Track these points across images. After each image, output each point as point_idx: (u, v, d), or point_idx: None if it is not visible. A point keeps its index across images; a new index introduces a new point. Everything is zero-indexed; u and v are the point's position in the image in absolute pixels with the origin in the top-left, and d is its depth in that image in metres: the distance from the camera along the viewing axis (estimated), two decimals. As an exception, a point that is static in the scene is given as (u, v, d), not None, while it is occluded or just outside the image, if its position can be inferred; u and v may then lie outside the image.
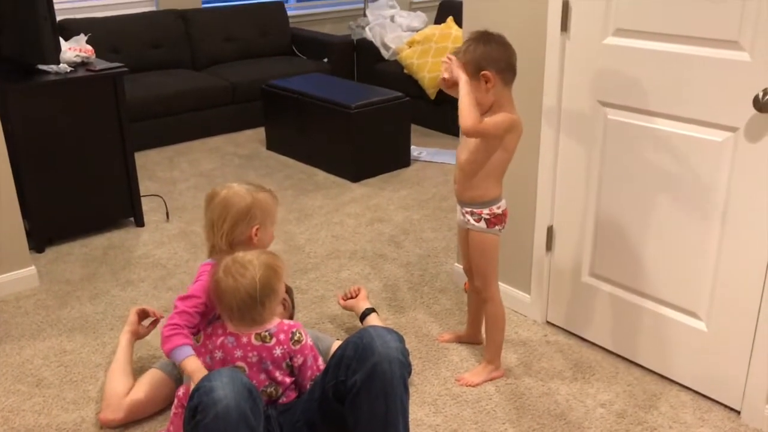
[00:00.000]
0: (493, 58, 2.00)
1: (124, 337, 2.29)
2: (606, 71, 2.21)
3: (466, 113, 1.95)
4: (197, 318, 1.88)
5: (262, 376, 1.81)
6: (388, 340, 1.72)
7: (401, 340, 1.77)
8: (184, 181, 4.15)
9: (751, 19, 1.85)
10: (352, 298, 2.57)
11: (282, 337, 1.83)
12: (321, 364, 1.89)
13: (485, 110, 2.04)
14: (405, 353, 1.74)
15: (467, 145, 2.11)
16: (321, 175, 4.24)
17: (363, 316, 2.46)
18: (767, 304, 1.99)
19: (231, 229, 1.97)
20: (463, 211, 2.20)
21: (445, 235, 3.40)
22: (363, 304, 2.50)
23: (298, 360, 1.85)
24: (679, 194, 2.13)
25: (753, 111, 1.88)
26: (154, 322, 2.38)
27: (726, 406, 2.18)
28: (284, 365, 1.83)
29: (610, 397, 2.24)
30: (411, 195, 3.93)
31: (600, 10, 2.17)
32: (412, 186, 4.06)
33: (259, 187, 2.07)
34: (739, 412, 2.14)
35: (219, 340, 1.82)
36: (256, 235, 2.00)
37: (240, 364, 1.79)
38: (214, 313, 1.94)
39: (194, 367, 1.76)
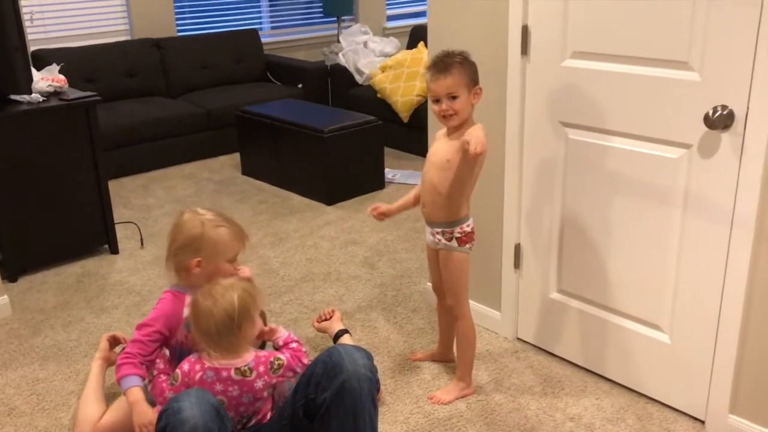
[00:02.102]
0: (477, 73, 2.10)
1: (96, 364, 2.31)
2: (565, 92, 2.28)
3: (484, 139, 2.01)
4: (152, 346, 1.91)
5: (242, 408, 1.82)
6: (357, 357, 1.75)
7: (369, 357, 1.80)
8: (159, 207, 4.17)
9: (698, 40, 1.93)
10: (326, 320, 2.60)
11: (261, 369, 1.82)
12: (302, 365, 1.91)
13: (461, 122, 2.11)
14: (373, 370, 1.77)
15: (440, 166, 2.16)
16: (296, 198, 4.27)
17: (336, 338, 2.48)
18: (726, 314, 2.04)
19: (175, 252, 1.97)
20: (434, 231, 2.24)
21: (419, 255, 3.44)
22: (336, 326, 2.53)
23: (279, 382, 1.87)
24: (639, 209, 2.19)
25: (704, 128, 1.95)
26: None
27: (691, 416, 2.22)
28: (266, 393, 1.85)
29: (578, 410, 2.28)
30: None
31: (558, 34, 2.25)
32: (386, 208, 4.10)
33: (224, 220, 1.99)
34: (703, 422, 2.19)
35: (197, 376, 1.79)
36: (197, 266, 1.94)
37: (220, 397, 1.78)
38: (178, 346, 1.95)
39: (135, 398, 1.80)
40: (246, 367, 1.80)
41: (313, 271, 3.33)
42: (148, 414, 1.79)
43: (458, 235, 2.20)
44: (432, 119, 2.80)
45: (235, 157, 4.90)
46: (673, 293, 2.17)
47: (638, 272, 2.24)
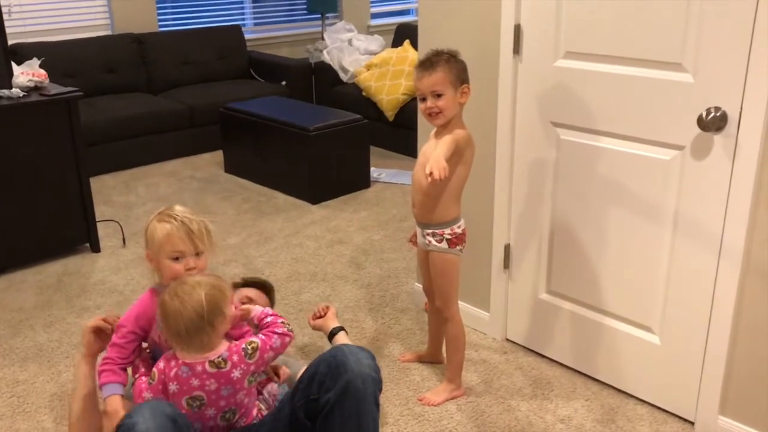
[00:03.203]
0: (466, 72, 2.08)
1: (84, 363, 1.99)
2: (557, 93, 2.27)
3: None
4: (129, 348, 1.86)
5: (222, 403, 1.78)
6: (362, 357, 1.72)
7: (373, 357, 1.77)
8: (141, 205, 4.11)
9: (692, 42, 1.92)
10: (320, 317, 2.54)
11: (236, 358, 1.77)
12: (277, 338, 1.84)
13: (447, 120, 2.09)
14: (377, 370, 1.75)
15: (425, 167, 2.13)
16: (280, 197, 4.23)
17: (331, 335, 2.42)
18: (717, 315, 2.05)
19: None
20: (425, 232, 2.22)
21: (405, 255, 3.42)
22: (331, 323, 2.43)
23: (259, 367, 1.83)
24: (630, 211, 2.19)
25: (698, 130, 1.95)
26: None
27: (681, 418, 2.22)
28: (247, 382, 1.81)
29: (568, 412, 2.28)
30: (371, 216, 3.95)
31: (551, 34, 2.23)
32: (371, 207, 4.08)
33: (175, 217, 1.86)
34: (693, 423, 2.19)
35: (172, 372, 1.75)
36: (148, 259, 1.89)
37: (197, 393, 1.74)
38: (154, 346, 1.90)
39: (112, 407, 1.76)
40: (219, 359, 1.75)
41: (299, 271, 3.30)
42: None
43: (448, 237, 2.18)
44: (422, 119, 2.78)
45: (218, 155, 4.84)
46: (663, 294, 2.17)
47: (629, 273, 2.24)
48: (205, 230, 1.86)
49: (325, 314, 2.45)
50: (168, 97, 5.09)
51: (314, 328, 2.47)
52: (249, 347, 1.78)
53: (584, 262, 2.35)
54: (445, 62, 2.04)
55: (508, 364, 2.54)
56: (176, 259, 1.83)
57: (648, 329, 2.24)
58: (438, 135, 2.13)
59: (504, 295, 2.63)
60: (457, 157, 2.08)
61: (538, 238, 2.46)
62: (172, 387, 1.74)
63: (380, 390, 1.77)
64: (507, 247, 2.57)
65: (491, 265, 2.62)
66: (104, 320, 1.95)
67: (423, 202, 2.18)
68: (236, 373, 1.76)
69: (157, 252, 1.84)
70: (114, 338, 1.87)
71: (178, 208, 1.89)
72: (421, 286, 2.95)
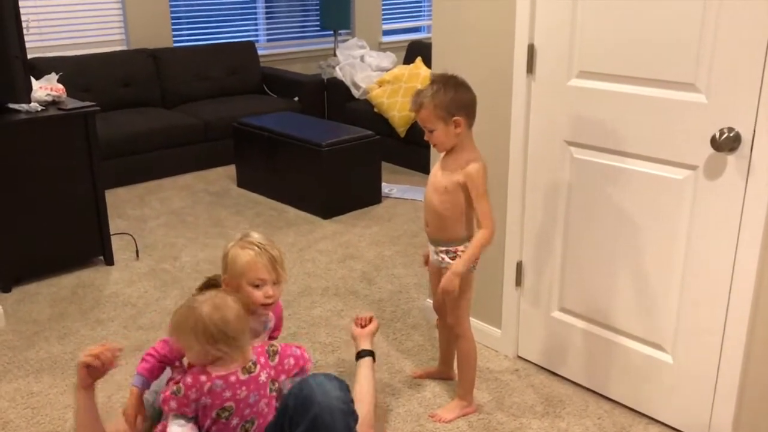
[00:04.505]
0: (463, 102, 2.08)
1: (81, 396, 1.89)
2: (571, 112, 2.29)
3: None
4: (177, 354, 1.89)
5: (247, 411, 1.78)
6: (329, 389, 1.67)
7: (344, 387, 1.72)
8: (155, 218, 4.14)
9: (705, 63, 1.94)
10: (363, 326, 2.35)
11: (262, 360, 1.80)
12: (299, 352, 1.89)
13: (448, 149, 2.14)
14: (347, 401, 1.70)
15: (439, 191, 2.16)
16: (292, 212, 4.25)
17: (358, 357, 2.31)
18: (730, 335, 2.05)
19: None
20: (438, 249, 2.23)
21: (417, 271, 3.43)
22: (363, 343, 2.32)
23: (280, 374, 1.84)
24: (643, 230, 2.20)
25: (711, 150, 1.96)
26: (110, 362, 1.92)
27: (693, 438, 2.22)
28: (269, 389, 1.80)
29: (580, 430, 2.27)
30: (382, 231, 3.96)
31: (564, 53, 2.26)
32: (383, 223, 4.09)
33: (257, 245, 1.90)
34: (706, 443, 2.19)
35: (206, 387, 1.74)
36: (225, 284, 1.91)
37: (229, 404, 1.75)
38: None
39: (129, 401, 1.83)
40: (250, 363, 1.78)
41: (311, 286, 3.31)
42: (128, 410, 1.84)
43: (462, 254, 2.19)
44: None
45: (231, 169, 4.88)
46: (676, 314, 2.17)
47: (641, 292, 2.25)
48: (281, 259, 1.91)
49: (367, 325, 2.34)
50: (182, 111, 5.14)
51: (352, 336, 2.38)
52: (270, 349, 1.84)
53: (596, 280, 2.36)
54: (431, 99, 2.05)
55: (520, 382, 2.54)
56: (257, 286, 1.87)
57: (661, 348, 2.24)
58: (446, 160, 2.17)
59: (516, 313, 2.63)
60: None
61: (551, 255, 2.47)
62: (205, 401, 1.74)
63: (355, 421, 1.71)
64: (519, 265, 2.58)
65: (503, 282, 2.63)
66: (98, 356, 1.83)
67: (436, 222, 2.20)
68: (263, 377, 1.78)
69: (238, 278, 1.87)
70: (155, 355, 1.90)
71: (256, 236, 1.93)
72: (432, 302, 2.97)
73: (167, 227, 4.00)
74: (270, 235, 3.89)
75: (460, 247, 2.19)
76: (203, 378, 1.75)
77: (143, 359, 1.89)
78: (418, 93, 2.09)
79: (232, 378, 1.75)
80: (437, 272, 2.29)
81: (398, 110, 4.97)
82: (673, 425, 2.26)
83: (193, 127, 4.95)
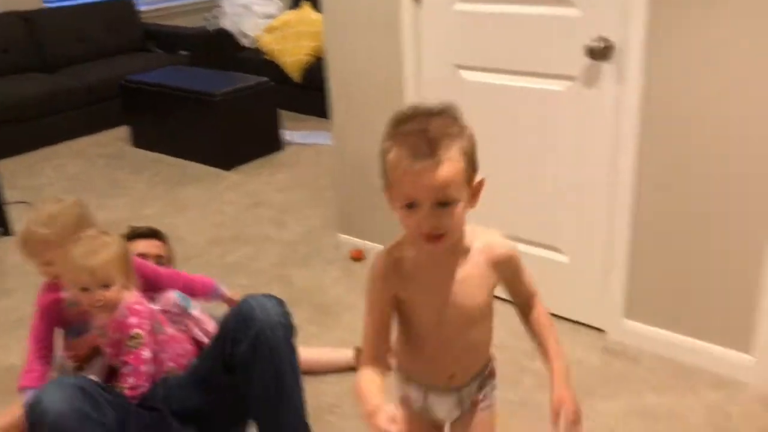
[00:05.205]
0: (476, 151, 1.20)
1: None
2: (458, 35, 2.39)
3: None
4: (49, 352, 1.85)
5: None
6: (268, 306, 1.72)
7: (281, 303, 1.77)
8: (50, 186, 4.00)
9: (576, -23, 2.07)
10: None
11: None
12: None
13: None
14: (286, 315, 1.76)
15: (474, 313, 1.31)
16: (193, 166, 4.21)
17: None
18: (617, 228, 2.24)
19: None
20: (470, 391, 1.42)
21: (324, 212, 3.49)
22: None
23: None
24: (533, 141, 2.34)
25: (587, 60, 2.11)
26: None
27: (592, 327, 2.43)
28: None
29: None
30: (287, 177, 3.99)
31: (446, -21, 2.34)
32: (287, 169, 4.12)
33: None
34: (603, 331, 2.40)
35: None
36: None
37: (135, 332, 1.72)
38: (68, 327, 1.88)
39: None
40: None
41: (221, 235, 3.33)
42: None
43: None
44: (337, 87, 2.83)
45: (123, 130, 4.74)
46: (567, 215, 2.35)
47: (539, 201, 2.41)
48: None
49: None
50: (64, 75, 4.91)
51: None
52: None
53: (500, 196, 2.50)
54: (458, 146, 1.14)
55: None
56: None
57: (557, 250, 2.43)
58: (437, 261, 1.26)
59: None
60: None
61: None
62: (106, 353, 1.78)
63: (294, 334, 1.77)
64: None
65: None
66: None
67: (471, 357, 1.39)
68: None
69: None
70: (31, 356, 1.83)
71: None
72: (344, 236, 3.06)
73: (65, 193, 3.87)
74: (172, 191, 3.86)
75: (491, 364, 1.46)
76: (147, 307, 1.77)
77: (26, 372, 1.80)
78: (424, 129, 1.13)
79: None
80: (468, 420, 1.44)
81: (290, 56, 4.94)
82: (574, 318, 2.46)
83: (77, 90, 4.75)
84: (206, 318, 1.96)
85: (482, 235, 1.30)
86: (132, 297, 1.74)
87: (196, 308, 1.96)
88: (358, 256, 3.00)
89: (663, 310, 2.25)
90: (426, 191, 1.12)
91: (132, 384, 1.70)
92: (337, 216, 3.15)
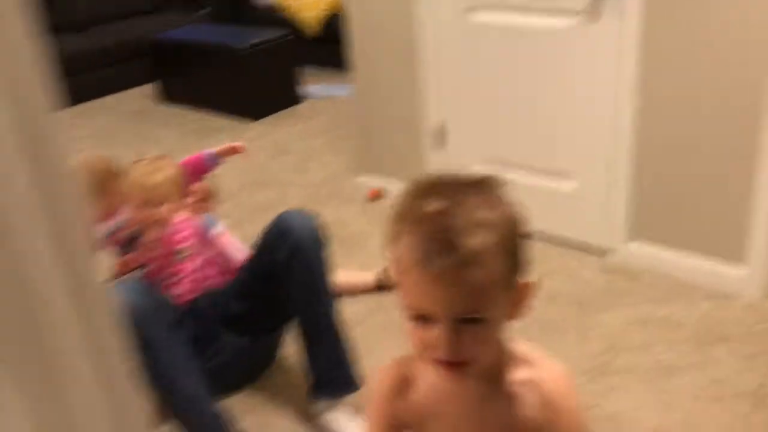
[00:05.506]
0: (520, 243, 0.90)
1: None
2: (469, -22, 2.54)
3: None
4: None
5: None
6: (303, 219, 1.91)
7: (315, 217, 1.95)
8: (81, 140, 4.22)
9: None
10: None
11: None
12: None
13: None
14: (320, 228, 1.93)
15: None
16: (218, 119, 4.40)
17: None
18: (620, 152, 2.41)
19: None
20: None
21: (344, 158, 3.66)
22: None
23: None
24: (542, 75, 2.50)
25: (590, -4, 2.27)
26: None
27: (598, 249, 2.61)
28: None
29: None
30: (308, 127, 4.18)
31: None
32: (307, 120, 4.30)
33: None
34: (609, 252, 2.58)
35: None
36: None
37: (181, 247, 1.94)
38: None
39: None
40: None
41: (248, 181, 3.53)
42: None
43: None
44: (358, 34, 3.01)
45: (151, 87, 4.93)
46: (574, 143, 2.53)
47: (544, 130, 2.58)
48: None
49: None
50: (92, 34, 5.11)
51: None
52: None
53: (511, 127, 2.67)
54: (494, 228, 0.82)
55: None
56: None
57: (564, 176, 2.60)
58: (458, 389, 0.96)
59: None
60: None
61: (474, 113, 2.76)
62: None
63: (325, 245, 1.95)
64: (442, 126, 2.87)
65: (424, 146, 2.92)
66: None
67: None
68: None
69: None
70: None
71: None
72: (363, 179, 3.24)
73: (96, 149, 4.09)
74: (201, 142, 4.06)
75: None
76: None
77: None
78: (444, 222, 0.81)
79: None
80: None
81: (308, 11, 5.08)
82: (582, 239, 2.64)
83: (102, 49, 4.94)
84: (230, 237, 2.18)
85: (528, 358, 0.94)
86: (182, 215, 1.94)
87: (221, 227, 2.18)
88: (376, 195, 3.19)
89: (663, 230, 2.42)
90: (444, 304, 0.80)
91: (180, 292, 1.92)
92: (356, 160, 3.34)
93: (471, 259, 0.79)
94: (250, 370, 2.09)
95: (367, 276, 2.53)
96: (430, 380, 0.96)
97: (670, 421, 1.87)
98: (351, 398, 1.91)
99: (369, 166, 3.26)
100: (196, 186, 2.40)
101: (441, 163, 2.92)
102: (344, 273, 2.54)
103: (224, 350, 1.98)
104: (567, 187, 2.61)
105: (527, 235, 0.87)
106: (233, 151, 2.18)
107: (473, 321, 0.82)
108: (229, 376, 2.01)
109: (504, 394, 0.93)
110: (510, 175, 2.67)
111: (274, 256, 1.88)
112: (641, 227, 2.47)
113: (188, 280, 1.93)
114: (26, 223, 0.43)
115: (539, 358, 0.95)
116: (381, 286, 2.49)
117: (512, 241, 0.85)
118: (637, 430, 1.86)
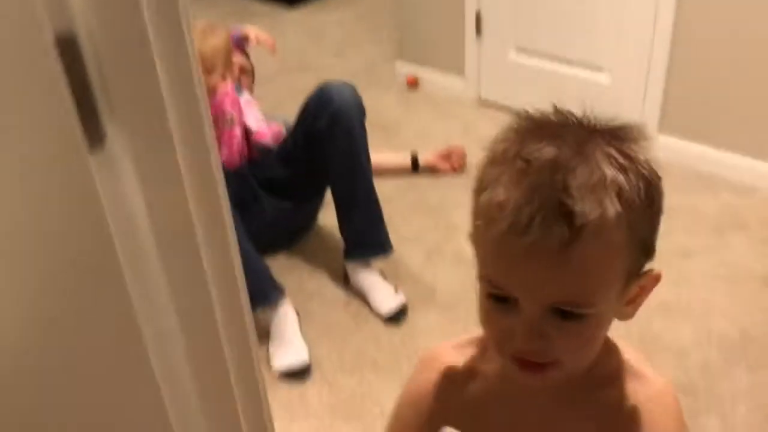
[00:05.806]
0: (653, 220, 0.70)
1: None
2: None
3: None
4: None
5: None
6: (345, 90, 2.02)
7: (355, 88, 2.06)
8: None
9: None
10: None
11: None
12: None
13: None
14: (359, 99, 2.04)
15: None
16: (254, 4, 4.41)
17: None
18: (657, 46, 2.43)
19: None
20: None
21: (385, 45, 3.69)
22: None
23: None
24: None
25: None
26: None
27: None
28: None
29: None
30: (346, 15, 4.17)
31: None
32: (346, 8, 4.29)
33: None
34: (638, 145, 2.64)
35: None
36: None
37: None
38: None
39: None
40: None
41: (287, 65, 3.57)
42: None
43: None
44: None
45: (189, -30, 4.91)
46: (610, 37, 2.54)
47: (581, 24, 2.59)
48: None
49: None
50: None
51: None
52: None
53: (548, 17, 2.68)
54: (623, 192, 0.62)
55: (481, 115, 2.93)
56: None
57: (599, 69, 2.63)
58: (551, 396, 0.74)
59: (477, 59, 2.97)
60: None
61: (506, 2, 2.77)
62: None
63: (364, 115, 2.06)
64: (478, 14, 2.87)
65: (465, 33, 2.94)
66: None
67: None
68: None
69: None
70: None
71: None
72: (402, 64, 3.28)
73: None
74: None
75: None
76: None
77: None
78: (552, 177, 0.60)
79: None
80: None
81: None
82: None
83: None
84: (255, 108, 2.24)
85: (632, 369, 0.73)
86: (228, 85, 2.04)
87: (247, 95, 2.24)
88: (413, 82, 3.24)
89: (694, 125, 2.47)
90: (536, 288, 0.62)
91: (226, 156, 2.04)
92: (393, 48, 3.37)
93: (586, 232, 0.57)
94: (288, 233, 2.24)
95: (402, 156, 2.62)
96: (495, 380, 0.73)
97: (683, 296, 1.99)
98: (380, 261, 2.05)
99: (406, 54, 3.29)
100: (235, 58, 2.48)
101: (477, 52, 2.95)
102: (378, 154, 2.63)
103: (266, 213, 2.12)
104: (602, 79, 2.64)
105: (662, 209, 0.65)
106: (260, 41, 2.24)
107: (571, 315, 0.61)
108: (269, 237, 2.15)
109: (592, 414, 0.71)
110: (544, 65, 2.73)
111: (316, 124, 1.98)
112: (673, 121, 2.51)
113: (234, 145, 2.04)
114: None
115: (644, 370, 0.72)
116: (415, 167, 2.59)
117: (644, 215, 0.63)
118: (651, 302, 1.97)
